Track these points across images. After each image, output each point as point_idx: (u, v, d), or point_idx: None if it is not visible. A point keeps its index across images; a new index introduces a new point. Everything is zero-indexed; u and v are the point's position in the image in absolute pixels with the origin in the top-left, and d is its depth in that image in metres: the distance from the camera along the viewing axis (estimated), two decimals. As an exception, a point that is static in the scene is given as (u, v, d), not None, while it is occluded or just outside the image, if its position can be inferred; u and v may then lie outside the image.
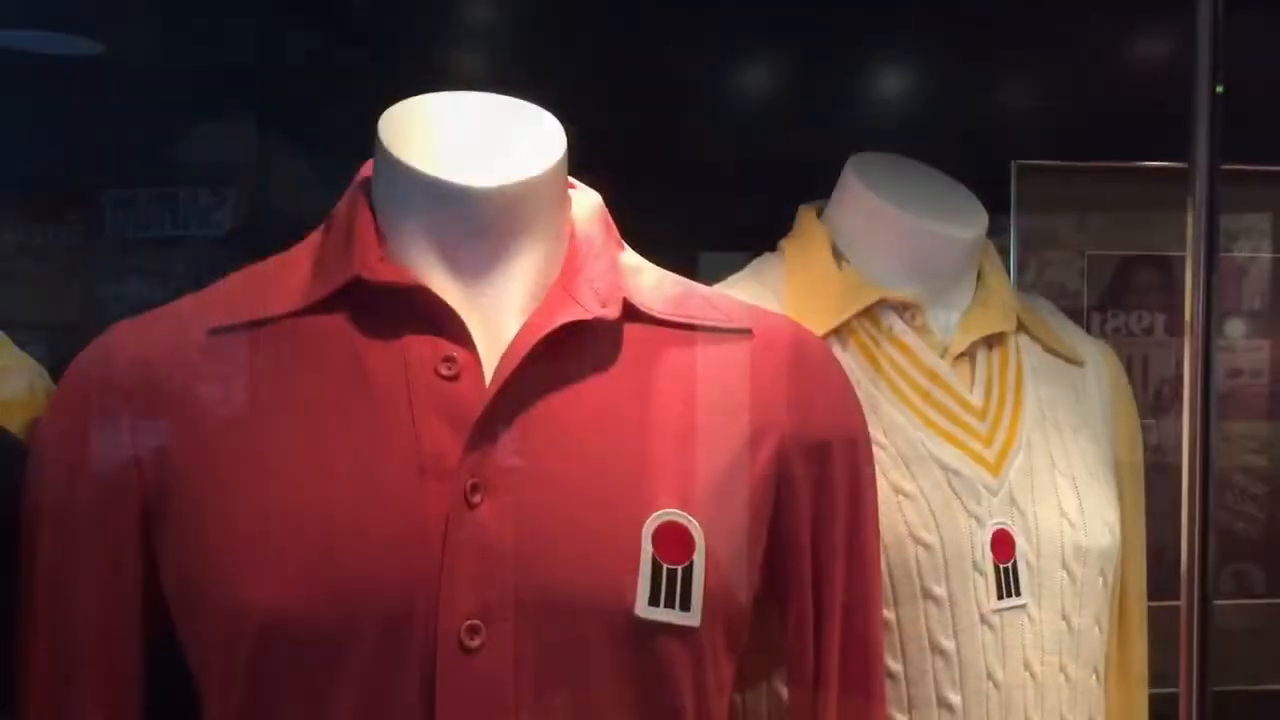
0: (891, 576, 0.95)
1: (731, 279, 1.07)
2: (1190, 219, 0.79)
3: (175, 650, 0.81)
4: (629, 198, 0.92)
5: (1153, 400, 1.49)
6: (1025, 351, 1.07)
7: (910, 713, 0.95)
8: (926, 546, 0.96)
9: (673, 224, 0.91)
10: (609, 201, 0.90)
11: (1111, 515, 1.05)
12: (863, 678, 0.89)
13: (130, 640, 0.81)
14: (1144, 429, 1.29)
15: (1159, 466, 1.49)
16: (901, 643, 0.95)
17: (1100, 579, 1.02)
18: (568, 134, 0.87)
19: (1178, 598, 1.48)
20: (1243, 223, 1.51)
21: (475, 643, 0.74)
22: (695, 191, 1.25)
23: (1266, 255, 1.51)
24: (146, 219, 1.45)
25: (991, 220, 1.08)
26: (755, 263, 1.09)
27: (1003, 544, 0.98)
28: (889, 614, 0.95)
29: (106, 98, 1.36)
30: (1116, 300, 1.46)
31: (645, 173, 1.21)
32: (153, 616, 0.81)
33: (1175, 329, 1.49)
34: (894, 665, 0.95)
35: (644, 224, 0.92)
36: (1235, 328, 1.54)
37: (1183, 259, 0.77)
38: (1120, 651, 1.10)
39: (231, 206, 1.44)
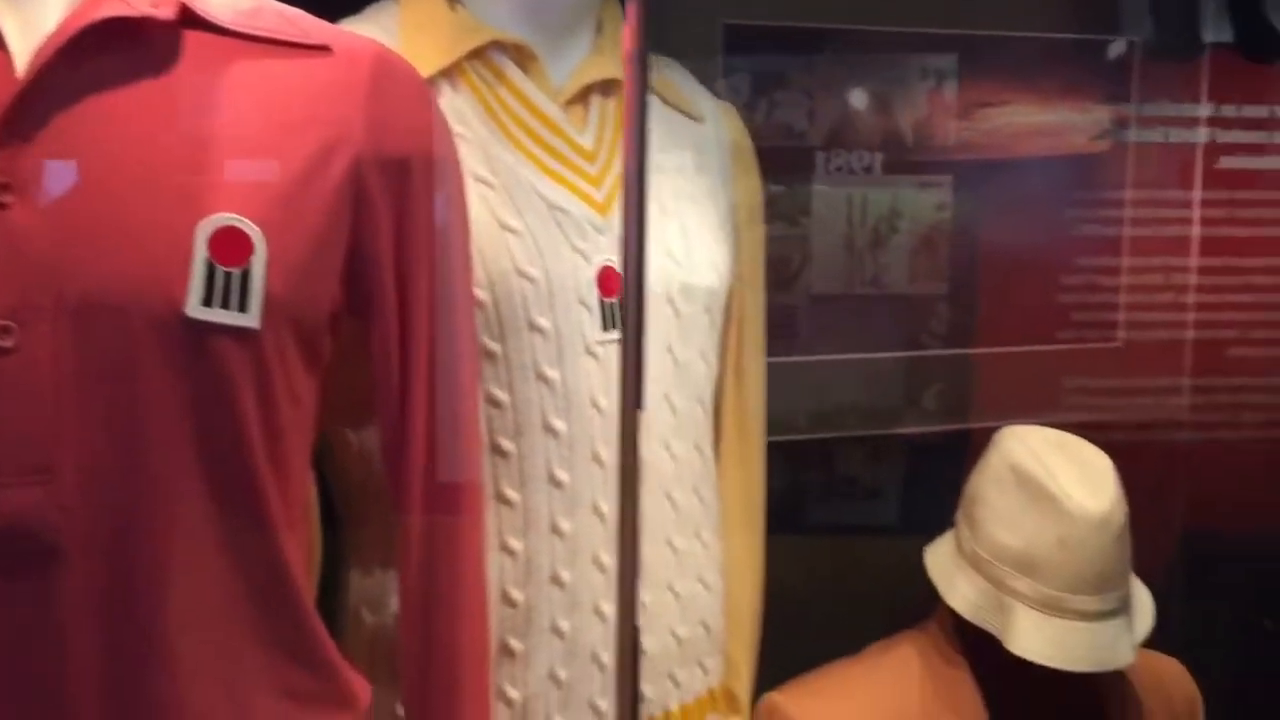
0: (498, 310, 0.97)
1: (345, 22, 1.03)
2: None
3: None
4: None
5: (871, 234, 1.56)
6: (642, 102, 1.09)
7: (517, 440, 0.98)
8: (532, 281, 0.98)
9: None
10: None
11: (720, 259, 1.10)
12: (452, 401, 0.91)
13: None
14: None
15: (878, 298, 1.58)
16: (508, 372, 0.98)
17: (706, 316, 1.08)
18: None
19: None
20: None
21: (8, 343, 0.72)
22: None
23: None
24: None
25: None
26: (371, 8, 1.06)
27: (608, 280, 1.01)
28: (495, 346, 0.97)
29: None
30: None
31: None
32: None
33: (893, 166, 1.55)
34: (500, 394, 0.98)
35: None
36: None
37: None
38: (737, 395, 1.17)
39: None
